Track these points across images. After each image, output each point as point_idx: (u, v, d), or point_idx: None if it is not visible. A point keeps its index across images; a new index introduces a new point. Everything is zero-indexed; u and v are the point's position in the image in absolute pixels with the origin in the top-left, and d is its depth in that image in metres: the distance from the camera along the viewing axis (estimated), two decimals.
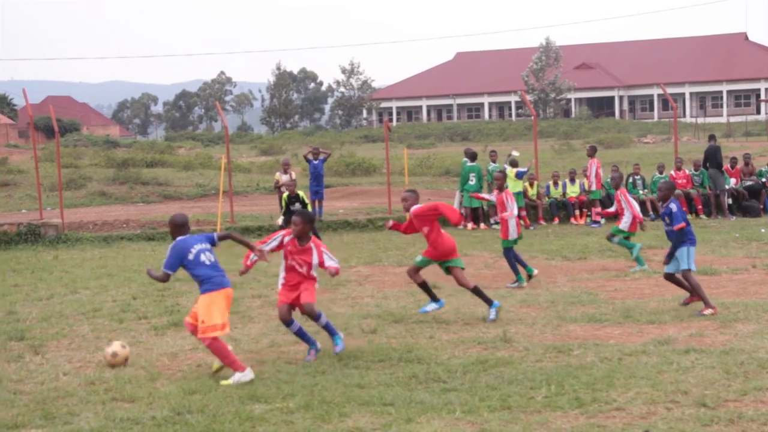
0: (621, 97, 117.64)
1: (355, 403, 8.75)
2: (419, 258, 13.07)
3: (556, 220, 26.64)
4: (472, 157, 26.66)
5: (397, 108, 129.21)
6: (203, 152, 62.24)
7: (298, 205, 23.03)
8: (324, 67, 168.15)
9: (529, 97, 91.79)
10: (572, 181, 27.25)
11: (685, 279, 13.01)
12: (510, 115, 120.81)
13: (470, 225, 25.63)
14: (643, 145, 67.47)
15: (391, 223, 13.36)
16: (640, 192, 27.02)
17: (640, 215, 17.26)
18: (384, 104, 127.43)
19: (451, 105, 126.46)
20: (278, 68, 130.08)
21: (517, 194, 25.54)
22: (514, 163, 26.03)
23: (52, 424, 8.38)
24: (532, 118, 31.76)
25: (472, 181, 25.85)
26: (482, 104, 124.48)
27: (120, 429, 8.17)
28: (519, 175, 25.59)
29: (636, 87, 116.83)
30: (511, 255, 15.89)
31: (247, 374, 9.66)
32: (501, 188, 16.15)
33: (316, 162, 26.97)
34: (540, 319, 12.66)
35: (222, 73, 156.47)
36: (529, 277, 16.01)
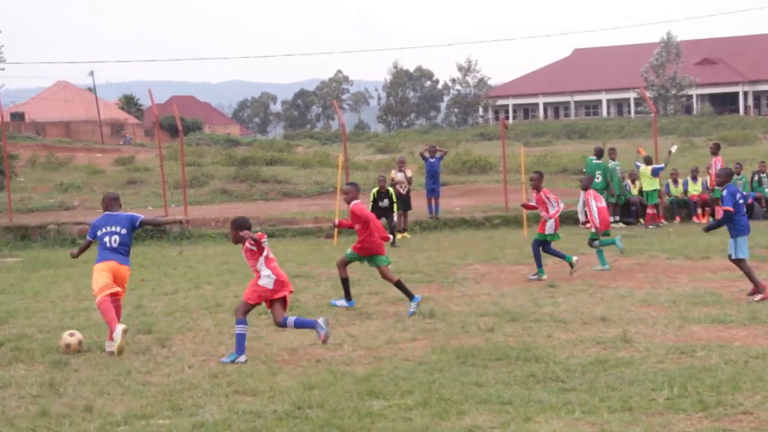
0: (745, 93, 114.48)
1: (473, 401, 8.75)
2: (349, 252, 14.12)
3: (678, 219, 26.16)
4: (599, 154, 26.42)
5: (514, 105, 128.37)
6: (321, 150, 62.86)
7: (386, 201, 23.12)
8: (440, 65, 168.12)
9: (648, 94, 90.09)
10: (694, 179, 26.71)
11: (738, 267, 13.99)
12: (629, 112, 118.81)
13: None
14: None
15: (337, 221, 15.00)
16: (767, 190, 26.32)
17: (593, 219, 17.79)
18: (500, 102, 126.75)
19: (568, 102, 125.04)
20: (395, 67, 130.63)
21: (652, 192, 25.30)
22: (648, 161, 25.80)
23: (178, 415, 8.61)
24: (652, 115, 31.19)
25: (598, 179, 25.53)
26: (600, 101, 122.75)
27: (243, 422, 8.33)
28: (655, 172, 25.38)
29: (762, 82, 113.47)
30: (538, 247, 16.67)
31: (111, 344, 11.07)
32: (538, 189, 16.92)
33: (432, 160, 27.00)
34: (661, 319, 12.45)
35: (339, 71, 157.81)
36: (570, 265, 16.65)
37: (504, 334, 11.84)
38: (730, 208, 13.66)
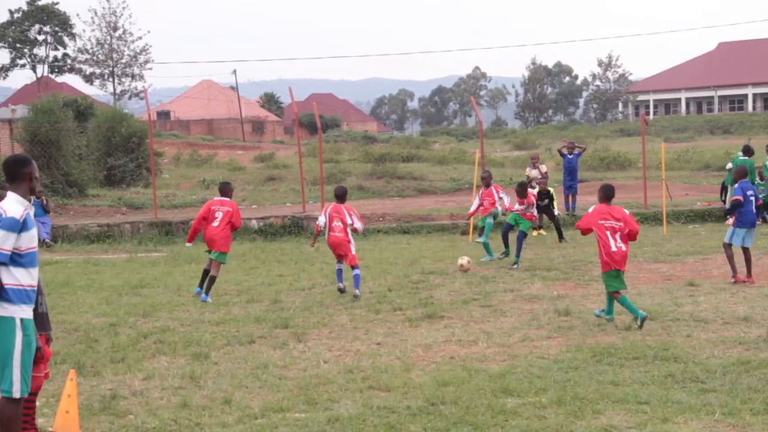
0: None
1: (609, 401, 8.62)
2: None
3: None
4: (747, 151, 25.62)
5: (654, 101, 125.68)
6: (457, 147, 62.87)
7: (546, 201, 23.01)
8: (579, 60, 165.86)
9: None
10: None
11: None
12: None
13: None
14: None
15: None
16: None
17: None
18: (641, 97, 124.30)
19: (711, 97, 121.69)
20: (533, 63, 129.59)
21: None
22: None
23: (314, 409, 8.75)
24: None
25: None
26: (746, 96, 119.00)
27: (377, 417, 8.41)
28: None
29: None
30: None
31: None
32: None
33: (570, 156, 26.70)
34: None
35: (477, 68, 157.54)
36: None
37: (641, 333, 11.63)
38: (737, 198, 15.46)
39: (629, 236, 12.27)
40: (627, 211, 12.59)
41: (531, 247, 21.17)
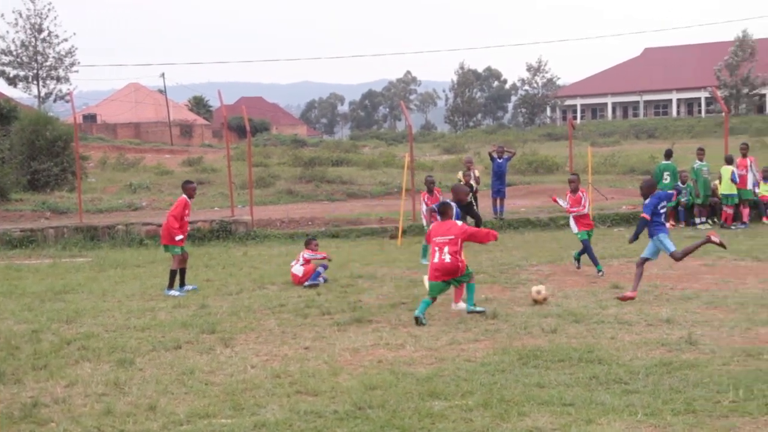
0: None
1: (535, 403, 8.70)
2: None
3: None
4: (668, 155, 26.27)
5: (582, 105, 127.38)
6: (387, 151, 63.05)
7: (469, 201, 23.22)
8: (509, 65, 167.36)
9: (720, 93, 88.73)
10: (765, 179, 26.19)
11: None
12: (699, 111, 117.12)
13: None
14: None
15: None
16: None
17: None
18: (568, 102, 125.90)
19: (637, 102, 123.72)
20: (461, 67, 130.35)
21: (731, 194, 24.96)
22: (729, 160, 25.40)
23: (240, 414, 8.68)
24: (723, 114, 30.71)
25: (666, 180, 25.34)
26: (670, 101, 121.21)
27: (304, 421, 8.37)
28: (733, 178, 25.09)
29: None
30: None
31: None
32: (575, 190, 17.44)
33: (500, 160, 26.91)
34: (728, 321, 12.25)
35: (408, 72, 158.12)
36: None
37: (567, 335, 11.75)
38: (644, 215, 14.49)
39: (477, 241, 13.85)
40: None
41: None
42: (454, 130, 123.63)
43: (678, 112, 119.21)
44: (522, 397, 8.88)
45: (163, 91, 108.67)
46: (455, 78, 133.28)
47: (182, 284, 16.62)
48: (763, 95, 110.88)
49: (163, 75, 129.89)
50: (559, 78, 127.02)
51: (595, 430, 7.90)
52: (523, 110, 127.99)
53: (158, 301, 15.43)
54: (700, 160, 26.07)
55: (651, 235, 14.40)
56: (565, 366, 10.10)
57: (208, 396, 9.32)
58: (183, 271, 16.71)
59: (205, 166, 48.82)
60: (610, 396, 8.82)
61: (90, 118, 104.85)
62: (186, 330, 12.78)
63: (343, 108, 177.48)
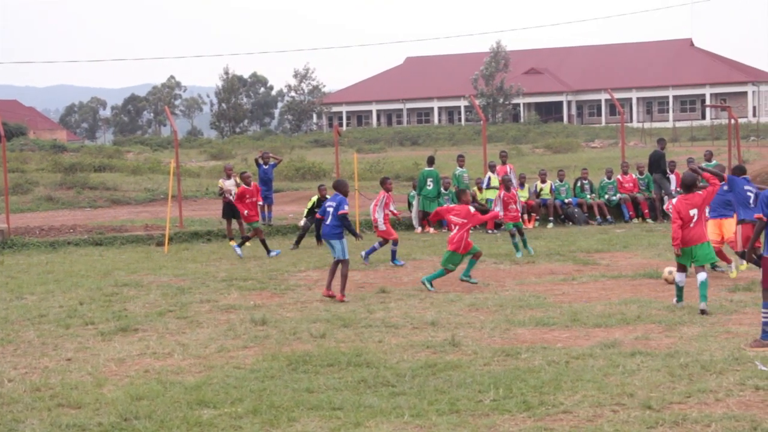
0: (569, 102, 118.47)
1: (304, 408, 8.75)
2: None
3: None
4: (430, 162, 27.08)
5: (347, 113, 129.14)
6: (152, 157, 61.76)
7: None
8: (275, 71, 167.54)
9: (478, 102, 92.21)
10: (521, 186, 27.38)
11: None
12: (459, 119, 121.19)
13: (419, 229, 25.86)
14: (591, 149, 68.14)
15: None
16: (588, 196, 27.24)
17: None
18: (334, 109, 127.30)
19: (401, 110, 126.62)
20: (226, 73, 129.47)
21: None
22: (492, 167, 26.45)
23: None
24: (481, 122, 31.90)
25: (430, 186, 26.10)
26: (432, 109, 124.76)
27: None
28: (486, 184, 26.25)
29: (584, 92, 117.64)
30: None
31: None
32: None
33: (266, 167, 26.88)
34: (488, 322, 12.73)
35: (172, 77, 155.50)
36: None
37: (336, 339, 11.89)
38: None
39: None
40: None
41: (228, 258, 21.15)
42: (221, 136, 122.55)
43: (440, 120, 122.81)
44: (292, 402, 8.92)
45: None
46: (220, 84, 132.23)
47: None
48: (518, 105, 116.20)
49: None
50: (325, 85, 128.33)
51: None
52: (290, 117, 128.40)
53: None
54: (461, 166, 27.00)
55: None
56: (334, 370, 10.21)
57: None
58: None
59: None
60: (378, 399, 8.99)
61: None
62: None
63: (105, 112, 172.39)
